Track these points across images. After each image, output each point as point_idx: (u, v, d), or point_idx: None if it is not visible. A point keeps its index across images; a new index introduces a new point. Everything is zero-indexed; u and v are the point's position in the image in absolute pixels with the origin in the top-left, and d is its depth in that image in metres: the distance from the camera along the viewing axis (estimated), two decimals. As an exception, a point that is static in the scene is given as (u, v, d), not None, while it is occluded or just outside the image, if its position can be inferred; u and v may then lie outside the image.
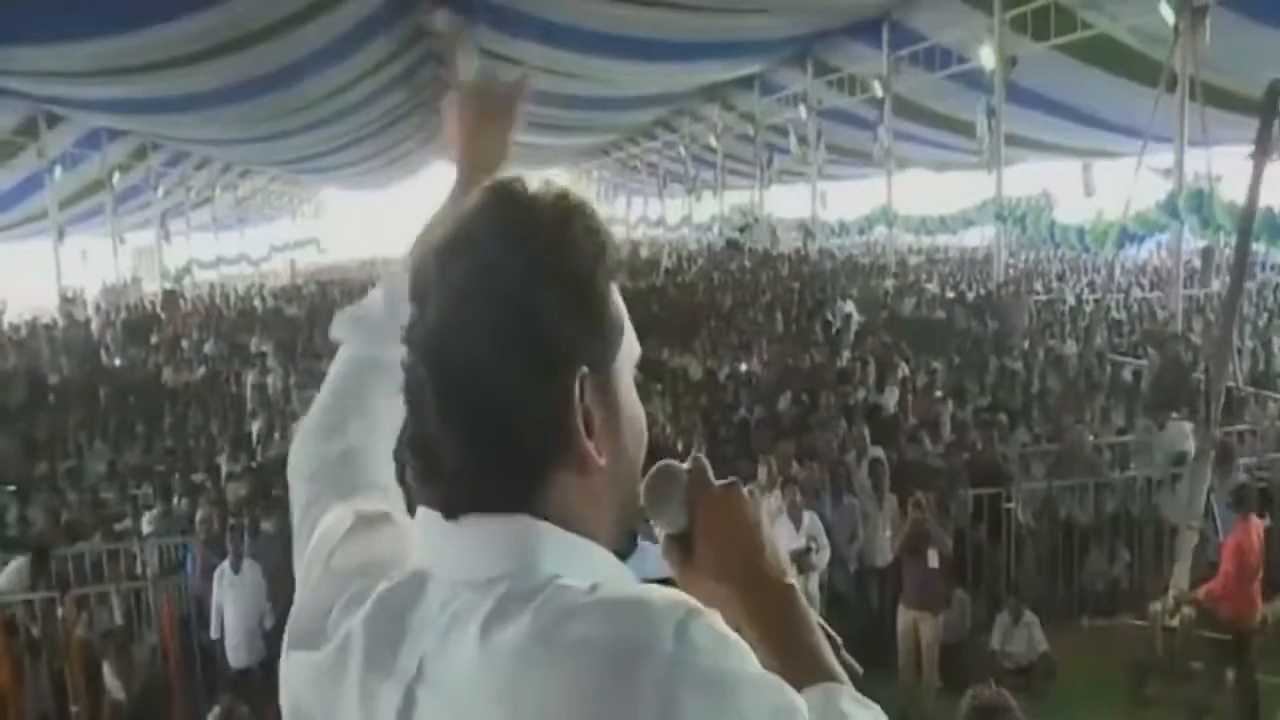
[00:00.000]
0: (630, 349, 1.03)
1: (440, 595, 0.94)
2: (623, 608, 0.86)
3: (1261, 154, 8.62)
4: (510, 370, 0.93)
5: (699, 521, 1.10)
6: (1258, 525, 7.82)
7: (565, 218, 0.97)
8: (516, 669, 0.85)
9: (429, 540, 0.98)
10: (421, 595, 0.96)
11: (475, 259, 0.94)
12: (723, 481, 1.12)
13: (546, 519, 0.95)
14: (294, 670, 1.03)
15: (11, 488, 11.63)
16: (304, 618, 1.05)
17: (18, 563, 9.00)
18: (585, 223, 0.98)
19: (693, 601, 0.87)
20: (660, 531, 1.13)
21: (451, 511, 0.95)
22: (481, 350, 0.93)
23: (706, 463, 1.13)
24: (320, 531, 1.15)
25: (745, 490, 1.13)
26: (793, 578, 1.10)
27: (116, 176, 27.33)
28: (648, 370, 14.61)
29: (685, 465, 1.12)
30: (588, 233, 0.98)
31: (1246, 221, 9.13)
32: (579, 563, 0.94)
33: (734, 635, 0.87)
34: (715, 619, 0.86)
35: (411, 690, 0.92)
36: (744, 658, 0.86)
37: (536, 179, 1.01)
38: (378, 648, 0.96)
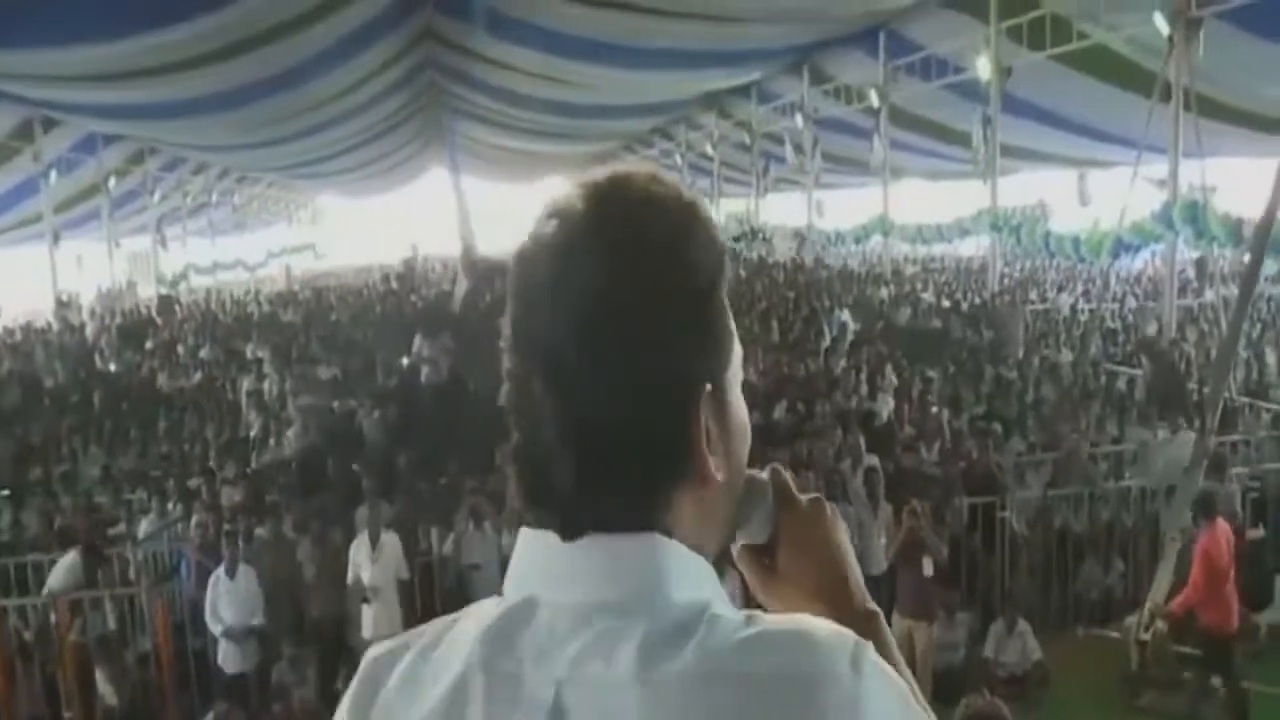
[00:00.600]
0: (739, 359, 1.00)
1: (561, 621, 0.89)
2: (793, 639, 0.85)
3: None
4: (638, 386, 0.90)
5: (784, 534, 1.08)
6: (1225, 530, 7.87)
7: (689, 227, 0.94)
8: (690, 701, 0.82)
9: (539, 563, 0.93)
10: (532, 620, 0.90)
11: (600, 268, 0.90)
12: (809, 495, 1.10)
13: (669, 536, 0.92)
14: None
15: (5, 492, 11.62)
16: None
17: (69, 559, 8.99)
18: (707, 231, 0.95)
19: (853, 633, 0.87)
20: (737, 542, 1.10)
21: (571, 532, 0.91)
22: (608, 365, 0.89)
23: (788, 474, 1.11)
24: None
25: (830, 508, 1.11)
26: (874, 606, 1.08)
27: (113, 181, 27.32)
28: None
29: (764, 475, 1.09)
30: (710, 243, 0.95)
31: (1264, 229, 9.10)
32: (700, 581, 0.91)
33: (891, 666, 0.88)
34: (874, 650, 0.87)
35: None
36: (908, 688, 0.90)
37: (650, 177, 0.97)
38: (499, 682, 0.89)
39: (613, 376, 0.89)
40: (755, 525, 1.08)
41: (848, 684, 0.82)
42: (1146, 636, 7.95)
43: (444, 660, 0.93)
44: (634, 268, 0.90)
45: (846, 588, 1.06)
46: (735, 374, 0.99)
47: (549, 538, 0.92)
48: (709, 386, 0.93)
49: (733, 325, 0.99)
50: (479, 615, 0.94)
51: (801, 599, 1.05)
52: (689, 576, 0.90)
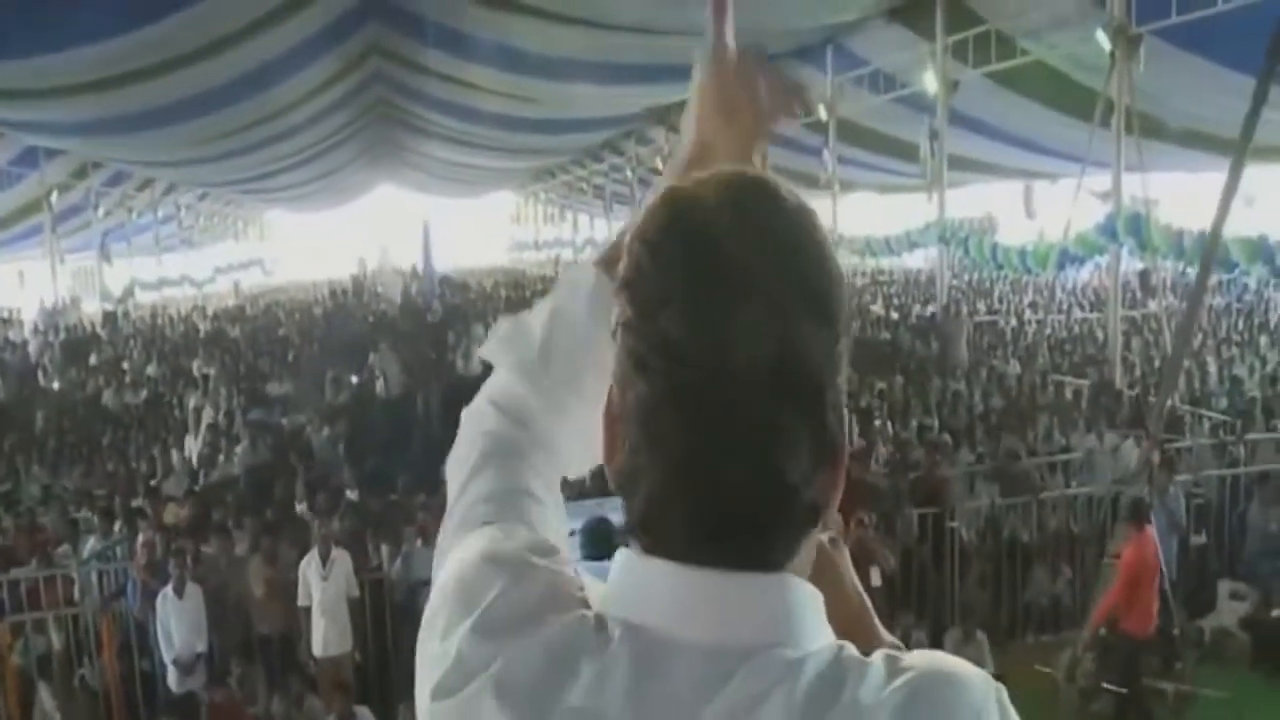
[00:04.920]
0: None
1: (696, 666, 0.82)
2: (945, 680, 0.83)
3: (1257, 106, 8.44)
4: (821, 415, 0.85)
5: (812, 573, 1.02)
6: (1151, 536, 8.01)
7: (828, 246, 0.88)
8: None
9: (658, 591, 0.85)
10: (665, 662, 0.83)
11: (778, 280, 0.83)
12: (826, 533, 1.04)
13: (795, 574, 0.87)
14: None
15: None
16: (449, 674, 0.89)
17: None
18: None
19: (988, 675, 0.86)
20: None
21: (722, 564, 0.84)
22: (815, 363, 0.84)
23: None
24: (467, 566, 0.97)
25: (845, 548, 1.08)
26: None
27: (55, 196, 26.88)
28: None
29: None
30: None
31: (1210, 244, 9.28)
32: (821, 622, 0.87)
33: None
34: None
35: None
36: None
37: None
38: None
39: (802, 399, 0.84)
40: None
41: None
42: (1079, 677, 8.13)
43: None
44: (812, 285, 0.84)
45: (870, 623, 1.05)
46: None
47: (667, 566, 0.85)
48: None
49: None
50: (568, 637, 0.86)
51: None
52: (817, 619, 0.87)
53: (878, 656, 0.84)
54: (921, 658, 0.85)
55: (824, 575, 0.98)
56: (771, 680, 0.80)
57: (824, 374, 0.84)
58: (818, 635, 0.85)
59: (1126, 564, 7.89)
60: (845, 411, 0.88)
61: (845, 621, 0.98)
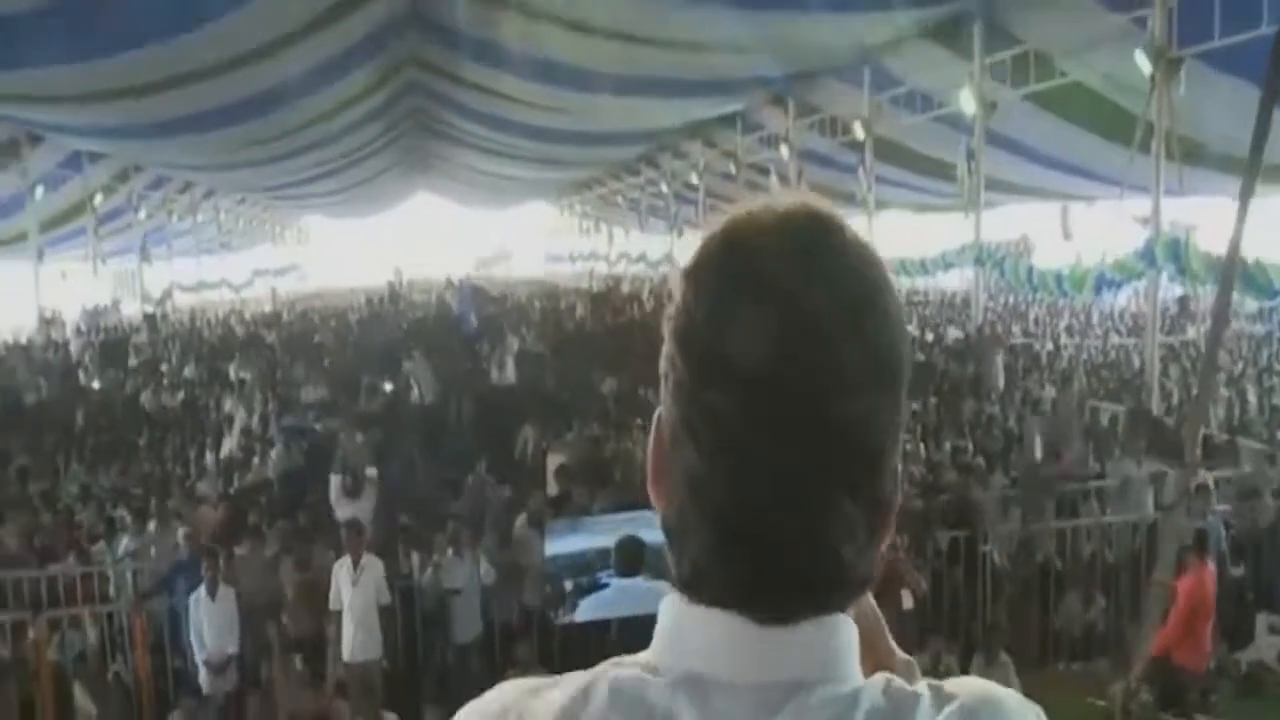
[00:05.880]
0: None
1: (742, 704, 0.81)
2: (992, 706, 0.84)
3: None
4: (878, 484, 0.83)
5: None
6: (1211, 569, 7.89)
7: (894, 296, 0.87)
8: None
9: (707, 640, 0.82)
10: (708, 703, 0.81)
11: (844, 346, 0.80)
12: None
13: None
14: None
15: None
16: None
17: None
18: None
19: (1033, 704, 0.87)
20: None
21: (785, 614, 0.82)
22: (878, 434, 0.82)
23: None
24: None
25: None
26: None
27: (99, 198, 27.23)
28: (629, 405, 14.64)
29: None
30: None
31: (1229, 264, 9.17)
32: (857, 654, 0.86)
33: None
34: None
35: None
36: None
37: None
38: None
39: (883, 444, 0.83)
40: None
41: None
42: (1134, 710, 7.95)
43: None
44: (887, 337, 0.83)
45: (884, 640, 1.03)
46: None
47: (712, 614, 0.82)
48: None
49: None
50: (628, 686, 0.83)
51: None
52: (856, 649, 0.85)
53: (923, 686, 0.84)
54: (963, 685, 0.86)
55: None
56: (826, 717, 0.80)
57: (885, 442, 0.82)
58: (859, 668, 0.85)
59: (1186, 595, 7.74)
60: (900, 467, 0.87)
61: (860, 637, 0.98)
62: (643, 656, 0.86)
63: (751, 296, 0.79)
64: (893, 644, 1.03)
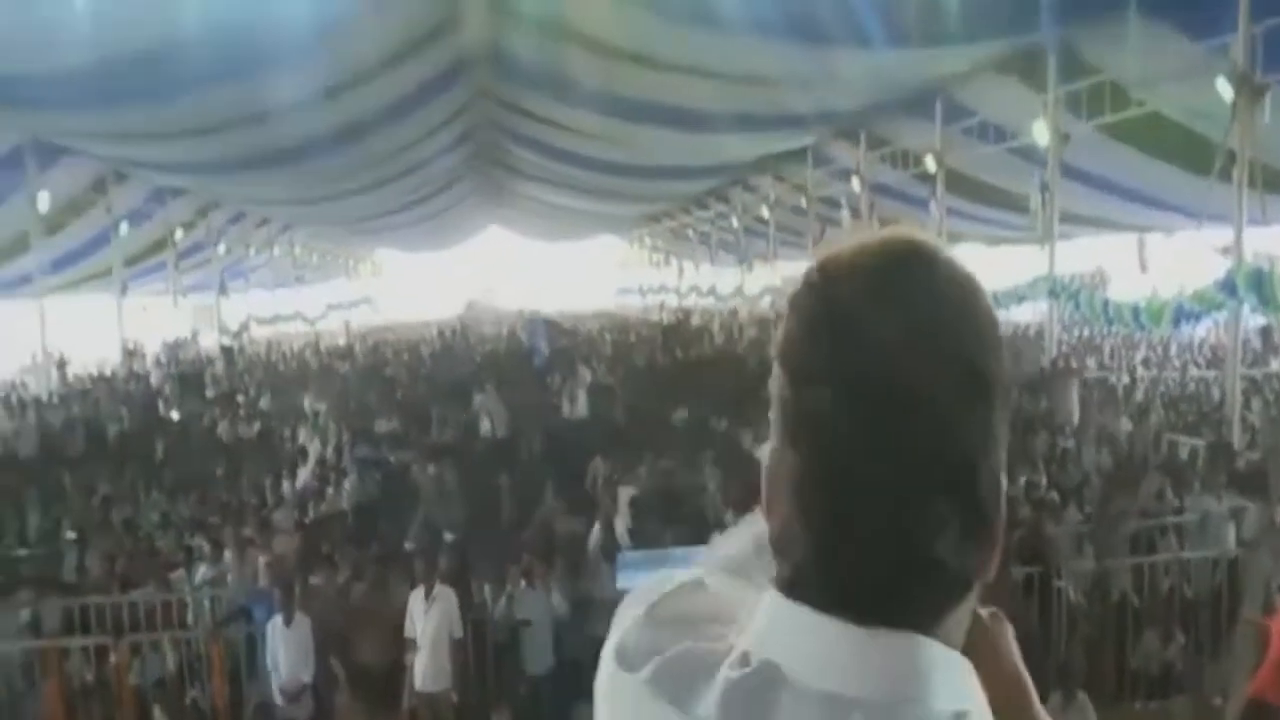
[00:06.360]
0: None
1: (802, 706, 0.83)
2: None
3: None
4: (973, 491, 0.85)
5: (968, 647, 0.96)
6: None
7: (986, 315, 0.91)
8: None
9: (791, 633, 0.86)
10: (778, 702, 0.83)
11: (927, 360, 0.84)
12: (988, 610, 1.02)
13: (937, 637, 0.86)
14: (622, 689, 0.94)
15: (73, 535, 11.86)
16: (630, 649, 0.95)
17: None
18: None
19: None
20: None
21: (860, 621, 0.84)
22: (965, 439, 0.84)
23: None
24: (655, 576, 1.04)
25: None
26: None
27: (179, 234, 27.93)
28: (700, 438, 14.64)
29: None
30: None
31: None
32: (962, 689, 0.86)
33: None
34: None
35: None
36: None
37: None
38: None
39: (966, 476, 0.85)
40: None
41: None
42: None
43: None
44: (979, 363, 0.86)
45: (1028, 706, 1.02)
46: None
47: (803, 613, 0.86)
48: None
49: None
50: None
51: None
52: (952, 683, 0.85)
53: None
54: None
55: (979, 650, 0.95)
56: None
57: (977, 450, 0.85)
58: (952, 699, 0.83)
59: (1276, 635, 7.56)
60: (1003, 479, 0.88)
61: (998, 700, 0.93)
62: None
63: (841, 315, 0.85)
64: (1040, 713, 1.02)
